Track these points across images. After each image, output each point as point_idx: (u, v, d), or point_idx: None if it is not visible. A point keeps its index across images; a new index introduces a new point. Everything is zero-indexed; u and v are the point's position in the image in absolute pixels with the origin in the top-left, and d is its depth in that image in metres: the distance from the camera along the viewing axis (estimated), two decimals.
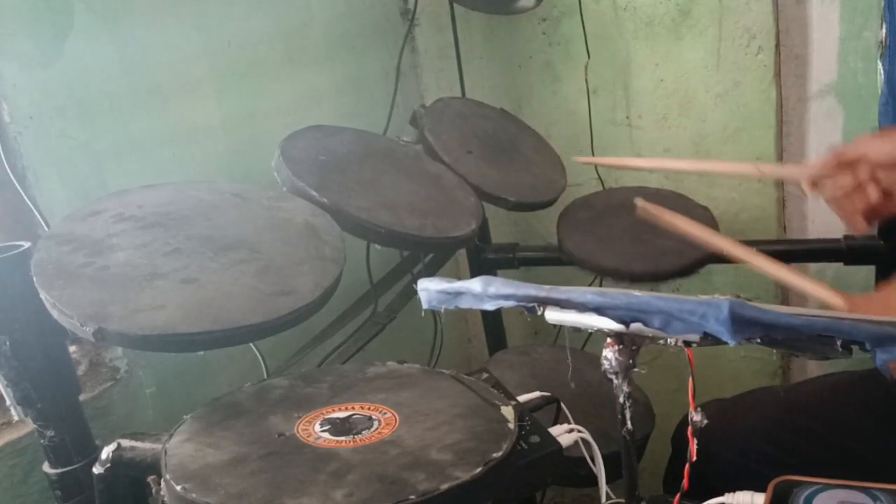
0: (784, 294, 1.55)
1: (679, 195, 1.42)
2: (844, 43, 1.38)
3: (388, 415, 0.71)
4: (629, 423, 0.66)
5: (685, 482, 0.66)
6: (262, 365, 1.07)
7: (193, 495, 0.60)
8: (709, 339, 0.57)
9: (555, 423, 0.80)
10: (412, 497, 0.58)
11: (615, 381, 0.65)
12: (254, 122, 1.25)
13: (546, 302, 0.63)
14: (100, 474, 0.73)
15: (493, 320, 1.50)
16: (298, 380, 0.79)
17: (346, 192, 1.03)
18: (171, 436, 0.69)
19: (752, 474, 0.74)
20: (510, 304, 0.63)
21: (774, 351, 1.48)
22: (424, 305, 0.69)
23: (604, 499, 0.81)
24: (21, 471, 0.92)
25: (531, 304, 0.63)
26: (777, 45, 1.42)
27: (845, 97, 1.41)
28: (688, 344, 0.59)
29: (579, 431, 0.79)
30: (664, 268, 1.23)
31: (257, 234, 0.88)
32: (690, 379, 0.64)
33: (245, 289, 0.79)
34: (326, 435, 0.68)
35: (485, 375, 0.82)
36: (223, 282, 0.79)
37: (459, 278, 0.67)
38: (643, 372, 0.65)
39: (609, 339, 0.63)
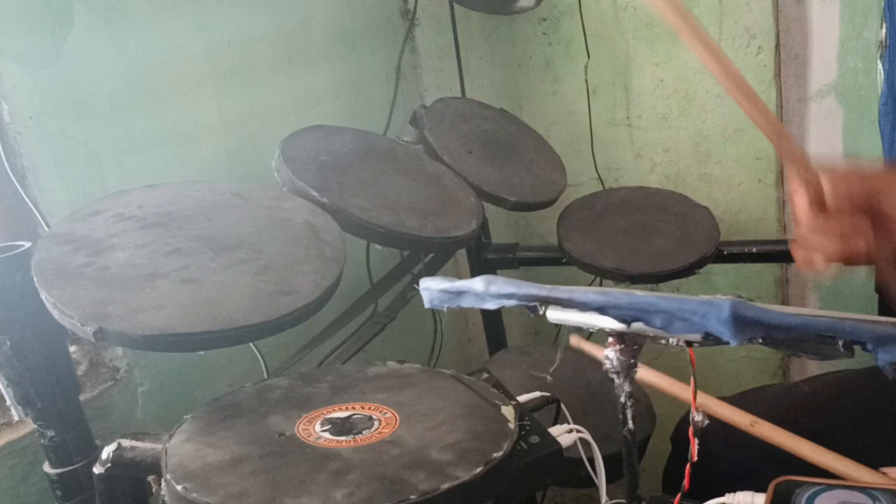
0: (784, 294, 1.55)
1: (679, 195, 1.42)
2: (844, 43, 1.38)
3: (389, 415, 0.71)
4: (630, 422, 0.66)
5: (686, 482, 0.66)
6: (262, 365, 1.07)
7: (194, 495, 0.60)
8: (710, 339, 0.57)
9: (555, 423, 0.80)
10: (412, 497, 0.58)
11: (617, 381, 0.65)
12: (254, 122, 1.25)
13: (548, 301, 0.63)
14: (100, 474, 0.73)
15: (493, 320, 1.50)
16: (298, 380, 0.79)
17: (346, 192, 1.03)
18: (171, 435, 0.69)
19: (752, 474, 0.74)
20: (512, 303, 0.63)
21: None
22: (426, 304, 0.69)
23: (604, 499, 0.81)
24: (21, 471, 0.92)
25: (533, 304, 0.63)
26: (777, 45, 1.42)
27: (845, 97, 1.41)
28: (689, 344, 0.59)
29: (579, 431, 0.79)
30: (664, 268, 1.23)
31: (257, 234, 0.88)
32: (692, 379, 0.64)
33: (245, 289, 0.79)
34: (327, 435, 0.68)
35: (485, 375, 0.82)
36: (223, 282, 0.79)
37: (459, 278, 0.67)
38: None
39: (610, 339, 0.63)
